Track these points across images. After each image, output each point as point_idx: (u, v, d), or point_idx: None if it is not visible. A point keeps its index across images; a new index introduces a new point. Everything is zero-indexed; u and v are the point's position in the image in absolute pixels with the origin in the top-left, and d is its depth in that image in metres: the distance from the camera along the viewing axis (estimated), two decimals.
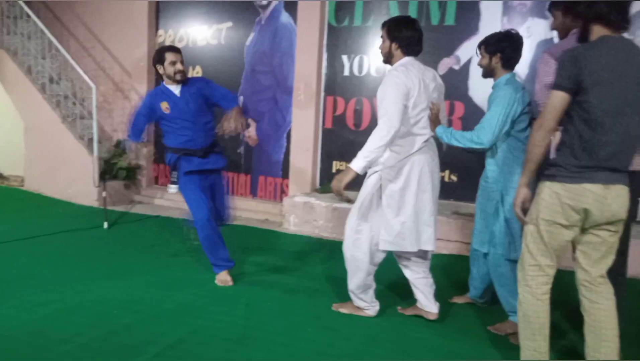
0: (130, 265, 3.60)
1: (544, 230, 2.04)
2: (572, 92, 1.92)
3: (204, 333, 2.56)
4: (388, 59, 2.70)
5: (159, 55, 3.25)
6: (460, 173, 4.60)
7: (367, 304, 2.83)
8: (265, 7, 5.34)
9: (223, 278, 3.30)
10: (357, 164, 2.51)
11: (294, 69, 5.18)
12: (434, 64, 4.61)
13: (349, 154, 5.07)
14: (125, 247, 4.11)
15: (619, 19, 1.92)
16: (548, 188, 2.02)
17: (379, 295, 2.89)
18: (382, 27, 2.70)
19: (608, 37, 1.93)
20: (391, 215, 2.60)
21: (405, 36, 2.61)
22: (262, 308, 2.92)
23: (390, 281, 3.33)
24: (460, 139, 2.55)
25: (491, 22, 4.38)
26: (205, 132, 3.32)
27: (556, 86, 1.95)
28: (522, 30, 4.29)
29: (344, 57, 5.02)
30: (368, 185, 2.69)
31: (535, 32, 4.29)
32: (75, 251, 3.94)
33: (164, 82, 3.32)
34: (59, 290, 3.06)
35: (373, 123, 4.93)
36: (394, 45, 2.64)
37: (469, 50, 4.47)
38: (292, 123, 5.22)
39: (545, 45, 4.24)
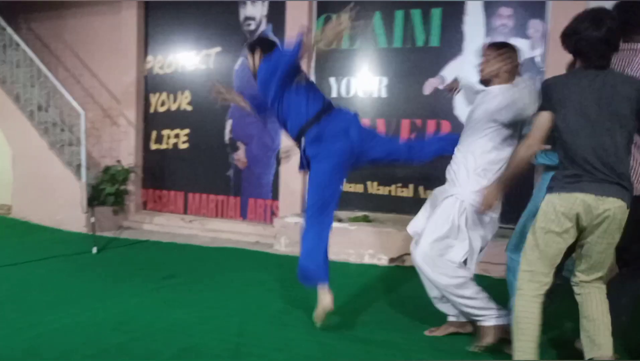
0: (120, 288, 3.56)
1: (540, 238, 2.17)
2: (553, 111, 2.16)
3: (198, 350, 2.54)
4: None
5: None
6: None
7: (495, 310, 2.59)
8: (253, 32, 5.44)
9: None
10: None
11: None
12: (419, 85, 4.72)
13: None
14: (115, 270, 4.07)
15: (595, 57, 2.11)
16: (546, 200, 2.19)
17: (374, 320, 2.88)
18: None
19: (582, 69, 2.16)
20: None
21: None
22: (256, 326, 2.90)
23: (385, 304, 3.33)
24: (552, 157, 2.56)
25: (474, 42, 4.50)
26: None
27: (539, 108, 2.23)
28: None
29: (332, 80, 5.11)
30: (448, 212, 2.61)
31: None
32: (65, 275, 3.88)
33: None
34: (50, 312, 3.01)
35: None
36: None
37: (453, 71, 4.57)
38: (282, 145, 5.27)
39: (528, 64, 4.36)
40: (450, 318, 2.80)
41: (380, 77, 4.91)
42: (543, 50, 4.34)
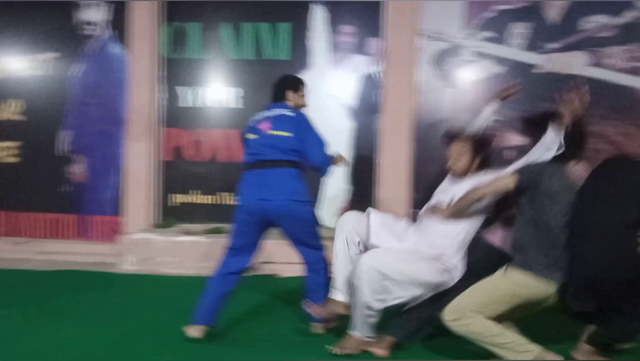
0: None
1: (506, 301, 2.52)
2: None
3: None
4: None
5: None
6: None
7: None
8: (93, 37, 5.06)
9: None
10: None
11: (127, 101, 4.95)
12: (268, 96, 4.76)
13: (188, 186, 4.97)
14: None
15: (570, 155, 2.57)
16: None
17: None
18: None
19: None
20: None
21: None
22: (101, 353, 2.67)
23: None
24: None
25: (320, 57, 4.74)
26: None
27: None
28: (349, 66, 4.73)
29: (182, 89, 4.95)
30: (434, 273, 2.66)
31: (359, 67, 4.74)
32: None
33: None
34: None
35: (213, 154, 4.92)
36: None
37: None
38: (126, 157, 4.96)
39: (367, 80, 4.69)
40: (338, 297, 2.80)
41: (236, 88, 4.89)
42: (381, 67, 4.70)
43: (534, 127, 2.72)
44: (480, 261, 2.74)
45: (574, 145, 2.59)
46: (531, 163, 2.57)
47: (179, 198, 5.00)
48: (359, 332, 2.65)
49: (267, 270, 4.29)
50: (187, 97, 4.96)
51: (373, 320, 2.64)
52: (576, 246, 2.41)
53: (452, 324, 2.44)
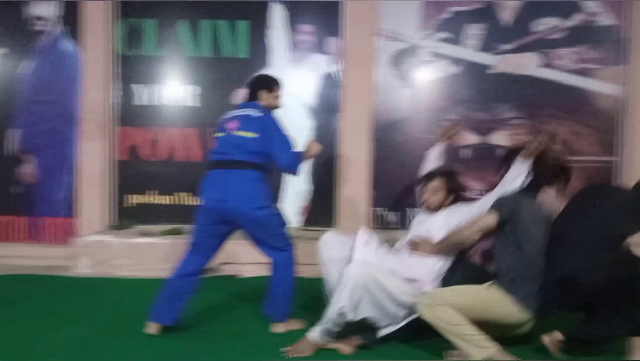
0: None
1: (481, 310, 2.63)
2: None
3: None
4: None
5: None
6: None
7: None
8: (44, 33, 4.87)
9: None
10: None
11: (80, 98, 4.80)
12: (226, 94, 4.75)
13: (145, 186, 4.86)
14: None
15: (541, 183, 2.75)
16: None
17: None
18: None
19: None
20: None
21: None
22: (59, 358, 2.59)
23: None
24: None
25: (279, 55, 4.73)
26: None
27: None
28: (308, 65, 4.73)
29: (137, 87, 4.84)
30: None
31: (319, 66, 4.75)
32: None
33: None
34: None
35: (170, 153, 4.83)
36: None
37: None
38: (80, 157, 4.81)
39: (327, 79, 4.71)
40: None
41: (192, 86, 4.81)
42: (341, 67, 4.72)
43: (506, 161, 2.88)
44: (462, 280, 2.79)
45: (543, 174, 2.76)
46: (505, 197, 2.69)
47: (135, 199, 4.89)
48: (319, 337, 2.64)
49: (227, 270, 4.25)
50: (143, 95, 4.85)
51: (337, 329, 2.65)
52: (555, 252, 2.56)
53: (424, 307, 2.54)
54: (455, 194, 3.01)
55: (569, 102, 4.67)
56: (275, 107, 3.16)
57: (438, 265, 2.85)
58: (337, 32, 4.73)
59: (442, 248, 2.82)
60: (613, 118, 4.68)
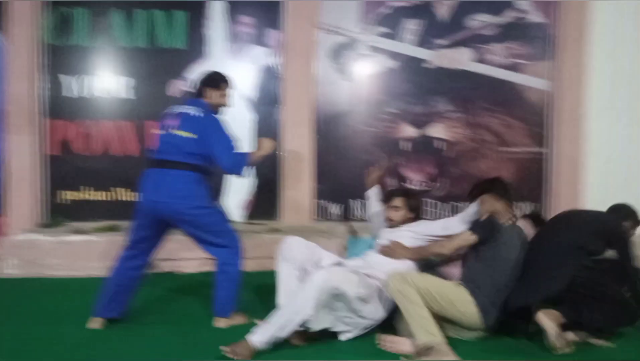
0: None
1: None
2: None
3: None
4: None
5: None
6: None
7: None
8: None
9: None
10: None
11: (4, 90, 4.53)
12: (162, 85, 4.63)
13: (79, 181, 4.66)
14: None
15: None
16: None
17: None
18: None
19: None
20: None
21: None
22: None
23: None
24: None
25: (218, 47, 4.64)
26: None
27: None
28: (247, 57, 4.68)
29: (66, 78, 4.62)
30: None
31: (258, 58, 4.70)
32: None
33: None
34: None
35: (105, 147, 4.65)
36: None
37: (197, 72, 4.55)
38: (7, 151, 4.55)
39: (267, 71, 4.68)
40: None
41: (126, 78, 4.64)
42: (281, 59, 4.70)
43: (472, 193, 3.16)
44: None
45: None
46: (486, 221, 2.89)
47: (68, 195, 4.68)
48: (264, 345, 2.54)
49: (168, 266, 4.15)
50: (73, 86, 4.64)
51: (283, 337, 2.58)
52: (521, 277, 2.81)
53: (394, 283, 2.65)
54: (416, 213, 3.25)
55: (501, 95, 4.85)
56: (222, 105, 3.08)
57: (406, 266, 2.99)
58: (277, 24, 4.70)
59: (417, 254, 3.01)
60: (542, 111, 4.91)
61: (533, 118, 4.90)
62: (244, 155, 2.93)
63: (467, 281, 2.80)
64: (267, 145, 3.03)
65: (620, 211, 3.09)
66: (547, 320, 2.62)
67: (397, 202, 3.22)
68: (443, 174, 4.87)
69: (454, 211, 4.88)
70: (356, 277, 2.72)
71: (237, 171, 2.91)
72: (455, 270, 3.01)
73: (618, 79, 4.84)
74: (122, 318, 3.00)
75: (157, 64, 4.63)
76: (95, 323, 2.92)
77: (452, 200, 4.87)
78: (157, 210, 2.85)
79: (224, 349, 2.50)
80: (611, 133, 4.86)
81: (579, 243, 2.80)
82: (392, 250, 3.02)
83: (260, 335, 2.54)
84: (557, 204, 4.76)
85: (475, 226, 2.89)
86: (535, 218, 3.20)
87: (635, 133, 4.89)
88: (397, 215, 3.20)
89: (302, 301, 2.58)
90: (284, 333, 2.57)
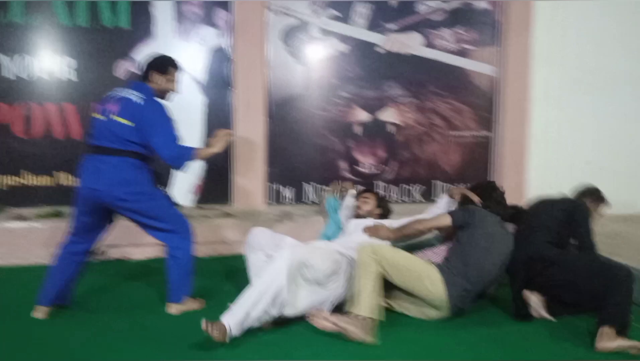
0: None
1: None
2: None
3: None
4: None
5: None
6: None
7: None
8: None
9: None
10: None
11: None
12: (108, 66, 4.45)
13: (19, 166, 4.45)
14: None
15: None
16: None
17: None
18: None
19: None
20: None
21: None
22: None
23: None
24: None
25: (164, 27, 4.49)
26: None
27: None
28: (196, 38, 4.56)
29: (4, 58, 4.36)
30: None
31: (207, 39, 4.58)
32: None
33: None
34: None
35: (46, 130, 4.44)
36: None
37: (144, 53, 4.41)
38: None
39: (217, 53, 4.57)
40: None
41: (68, 58, 4.43)
42: (231, 40, 4.61)
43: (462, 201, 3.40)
44: None
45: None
46: (462, 208, 3.20)
47: (7, 180, 4.46)
48: (234, 328, 2.49)
49: (116, 253, 4.05)
50: (9, 66, 4.39)
51: (255, 323, 2.56)
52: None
53: (364, 252, 2.77)
54: (383, 212, 3.54)
55: (450, 80, 4.96)
56: (169, 90, 2.97)
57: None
58: (226, 4, 4.59)
59: (399, 234, 3.21)
60: (490, 96, 5.05)
61: (481, 103, 5.04)
62: (187, 149, 2.82)
63: (444, 262, 2.96)
64: (220, 143, 2.90)
65: (583, 190, 3.40)
66: (532, 296, 2.94)
67: (368, 195, 3.59)
68: (394, 157, 4.94)
69: (404, 194, 4.99)
70: (321, 251, 2.82)
71: (177, 164, 2.81)
72: (437, 258, 3.13)
73: (562, 65, 5.03)
74: (68, 306, 2.94)
75: (100, 44, 4.44)
76: (40, 313, 2.85)
77: (402, 182, 4.96)
78: (96, 197, 2.77)
79: (204, 323, 2.44)
80: (555, 118, 5.06)
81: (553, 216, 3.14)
82: (375, 230, 3.22)
83: (233, 315, 2.51)
84: (503, 186, 4.92)
85: (453, 211, 3.15)
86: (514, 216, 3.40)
87: (578, 118, 5.11)
88: (366, 205, 3.50)
89: (273, 274, 2.61)
90: (258, 310, 2.54)
